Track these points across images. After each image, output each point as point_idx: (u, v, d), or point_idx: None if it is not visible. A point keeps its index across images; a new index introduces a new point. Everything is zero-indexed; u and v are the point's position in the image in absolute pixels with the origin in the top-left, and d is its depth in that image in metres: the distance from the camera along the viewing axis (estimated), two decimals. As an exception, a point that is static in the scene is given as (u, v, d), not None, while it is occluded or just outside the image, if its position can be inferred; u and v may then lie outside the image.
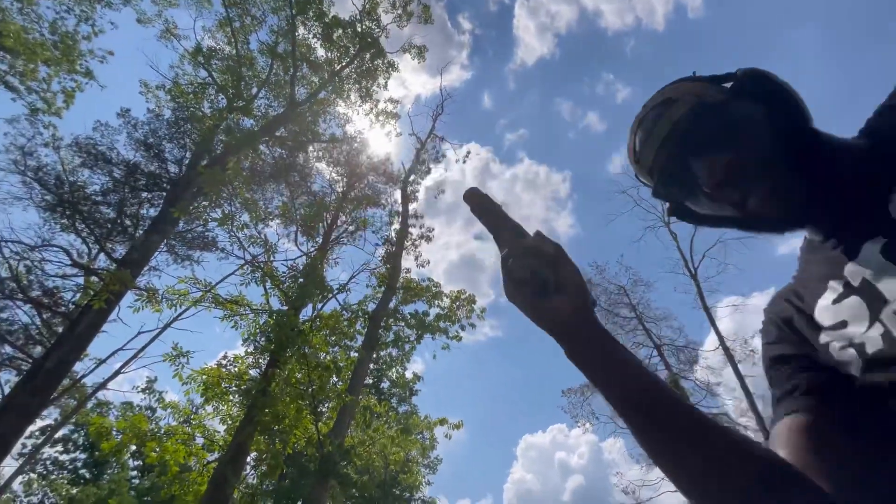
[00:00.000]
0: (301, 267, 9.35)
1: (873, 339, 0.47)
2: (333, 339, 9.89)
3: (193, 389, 9.19)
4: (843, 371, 0.52)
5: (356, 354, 9.51)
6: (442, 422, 9.51)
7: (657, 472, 12.70)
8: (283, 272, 9.13)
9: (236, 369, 10.37)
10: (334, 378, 10.01)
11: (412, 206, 11.75)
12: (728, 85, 0.62)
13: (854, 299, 0.51)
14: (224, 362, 11.64)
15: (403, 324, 10.31)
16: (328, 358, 9.47)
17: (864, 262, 0.50)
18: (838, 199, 0.54)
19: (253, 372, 10.49)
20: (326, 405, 10.31)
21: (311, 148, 12.50)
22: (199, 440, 9.57)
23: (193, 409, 9.90)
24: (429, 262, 12.26)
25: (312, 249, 9.83)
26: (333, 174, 11.91)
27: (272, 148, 11.80)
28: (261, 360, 10.00)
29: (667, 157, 0.61)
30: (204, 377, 8.82)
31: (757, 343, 11.94)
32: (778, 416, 0.55)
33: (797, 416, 0.53)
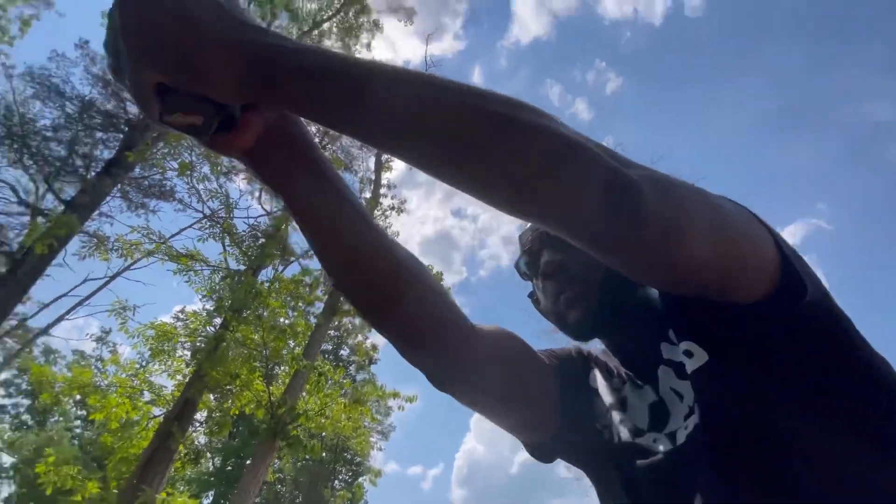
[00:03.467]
0: (263, 227, 9.04)
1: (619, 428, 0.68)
2: (293, 303, 9.71)
3: (142, 343, 8.95)
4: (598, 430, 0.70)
5: (315, 321, 9.39)
6: (395, 394, 9.56)
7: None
8: (244, 230, 8.82)
9: (192, 325, 10.13)
10: (291, 342, 9.90)
11: (386, 176, 11.48)
12: None
13: (613, 393, 0.71)
14: (181, 316, 11.33)
15: (366, 293, 10.19)
16: (286, 322, 9.32)
17: (632, 389, 0.69)
18: (630, 329, 0.68)
19: (208, 329, 10.26)
20: (281, 368, 10.21)
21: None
22: (147, 396, 9.37)
23: (140, 365, 9.64)
24: (398, 235, 12.11)
25: (276, 210, 9.51)
26: (306, 133, 11.42)
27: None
28: (216, 319, 9.77)
29: (531, 240, 0.78)
30: (152, 332, 8.54)
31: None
32: None
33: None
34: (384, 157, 11.47)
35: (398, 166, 13.14)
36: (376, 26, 12.65)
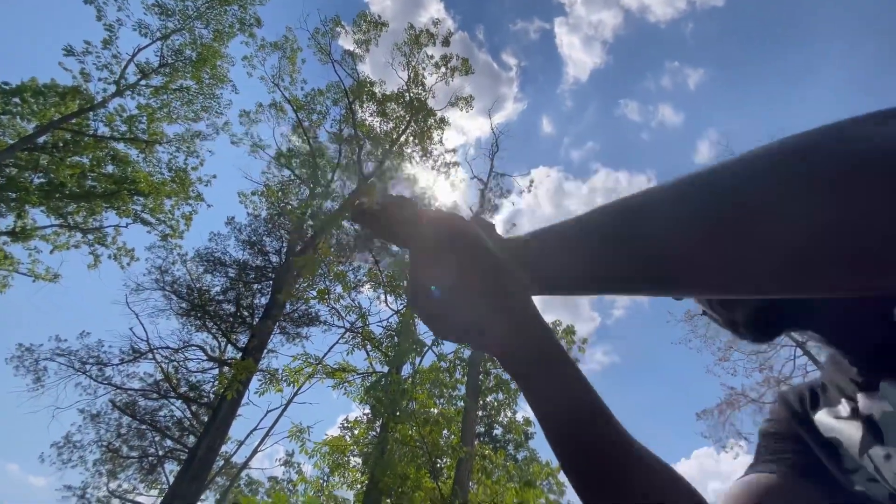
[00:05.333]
0: (395, 325, 9.72)
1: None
2: (437, 391, 9.93)
3: (321, 460, 9.72)
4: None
5: (462, 405, 9.42)
6: (564, 466, 8.85)
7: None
8: (380, 333, 9.54)
9: (357, 433, 10.81)
10: (445, 432, 9.96)
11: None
12: None
13: (853, 425, 0.49)
14: (345, 425, 12.11)
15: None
16: (435, 412, 9.49)
17: (878, 398, 0.46)
18: (854, 321, 0.48)
19: (370, 434, 10.81)
20: (443, 461, 10.20)
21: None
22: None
23: (324, 480, 10.39)
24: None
25: (401, 306, 10.21)
26: (409, 233, 12.55)
27: (352, 223, 12.84)
28: (376, 424, 10.32)
29: None
30: (326, 448, 9.27)
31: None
32: (745, 474, 0.56)
33: (767, 475, 0.54)
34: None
35: (498, 235, 13.52)
36: (443, 122, 13.95)
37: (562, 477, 10.06)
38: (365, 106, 14.21)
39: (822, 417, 0.55)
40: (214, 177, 12.72)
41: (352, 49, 14.53)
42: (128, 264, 11.38)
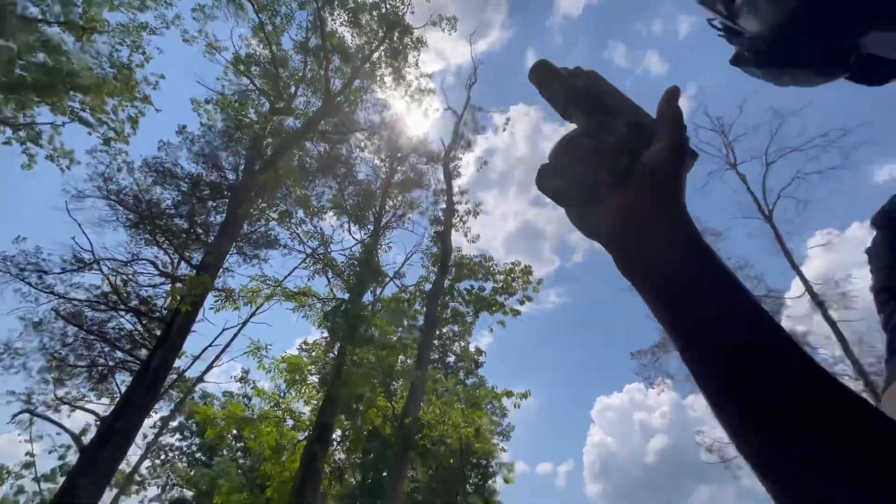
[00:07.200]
0: (357, 255, 9.71)
1: None
2: (396, 320, 10.26)
3: (278, 376, 10.03)
4: None
5: (419, 333, 9.81)
6: (508, 394, 9.65)
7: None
8: (342, 262, 9.54)
9: (314, 354, 11.14)
10: (402, 357, 10.46)
11: (457, 183, 11.74)
12: None
13: None
14: (304, 346, 12.39)
15: (461, 300, 10.45)
16: (394, 339, 9.87)
17: None
18: None
19: (329, 356, 11.17)
20: (397, 383, 10.80)
21: (352, 138, 12.76)
22: (289, 422, 10.46)
23: (280, 394, 10.81)
24: (478, 237, 12.25)
25: (365, 237, 10.17)
26: (376, 161, 12.18)
27: (316, 143, 12.23)
28: (334, 347, 10.62)
29: None
30: (284, 365, 9.53)
31: (851, 286, 10.96)
32: (891, 376, 0.40)
33: None
34: (452, 164, 11.75)
35: (467, 171, 13.33)
36: (420, 43, 13.04)
37: (505, 401, 10.97)
38: (336, 14, 12.97)
39: None
40: (163, 76, 11.50)
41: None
42: (67, 167, 10.42)
